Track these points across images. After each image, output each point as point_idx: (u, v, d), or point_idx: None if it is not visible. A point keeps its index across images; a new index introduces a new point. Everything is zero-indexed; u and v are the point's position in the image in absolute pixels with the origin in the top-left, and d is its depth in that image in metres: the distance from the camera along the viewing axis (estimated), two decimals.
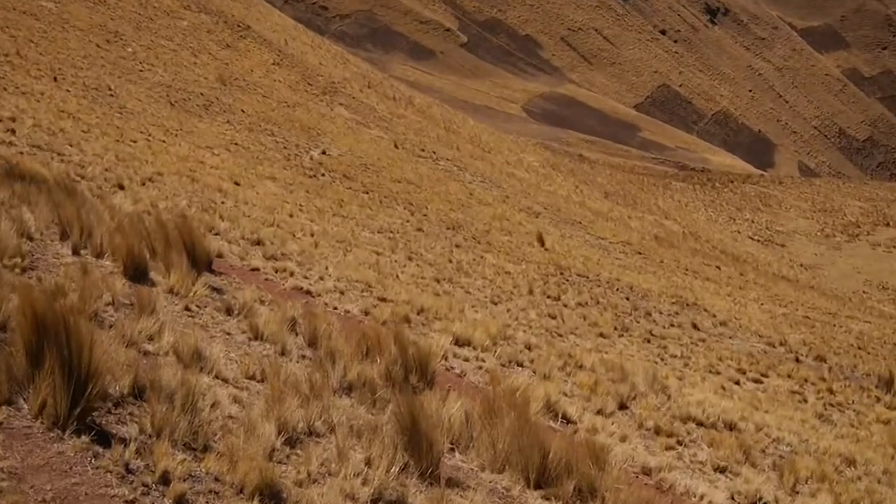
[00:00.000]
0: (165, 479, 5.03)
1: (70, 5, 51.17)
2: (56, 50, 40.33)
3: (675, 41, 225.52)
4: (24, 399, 5.28)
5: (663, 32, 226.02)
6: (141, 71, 43.67)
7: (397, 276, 18.49)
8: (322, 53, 74.18)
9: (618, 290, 28.72)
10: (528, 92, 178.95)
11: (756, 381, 18.40)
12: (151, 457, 5.15)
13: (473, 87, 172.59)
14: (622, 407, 11.22)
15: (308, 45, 74.85)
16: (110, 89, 36.69)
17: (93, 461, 4.96)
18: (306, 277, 13.13)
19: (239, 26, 63.03)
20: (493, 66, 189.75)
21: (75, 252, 9.46)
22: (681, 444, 10.22)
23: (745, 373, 18.79)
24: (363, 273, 16.03)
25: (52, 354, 5.26)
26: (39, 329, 5.36)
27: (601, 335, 20.02)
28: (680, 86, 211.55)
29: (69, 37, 44.55)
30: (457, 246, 28.65)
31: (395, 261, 21.26)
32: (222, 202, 20.00)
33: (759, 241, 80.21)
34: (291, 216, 22.22)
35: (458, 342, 12.00)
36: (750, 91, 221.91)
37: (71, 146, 20.52)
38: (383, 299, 13.75)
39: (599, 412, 10.62)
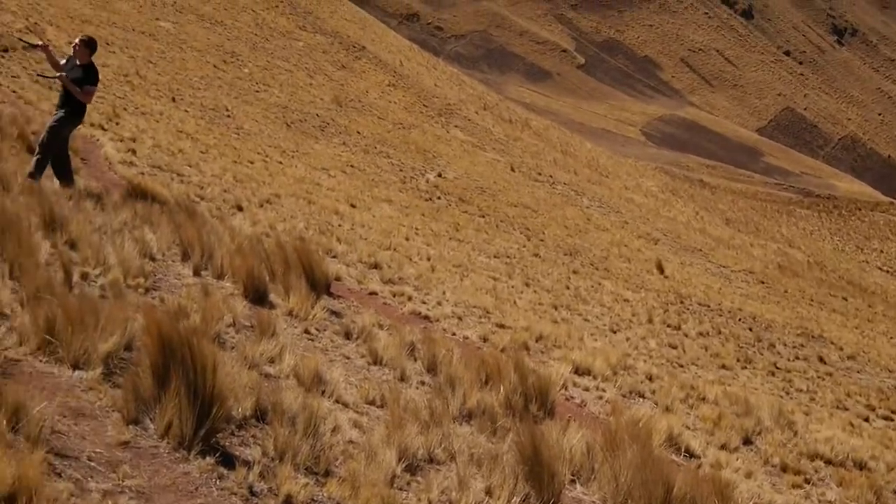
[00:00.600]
0: (289, 503, 5.11)
1: (188, 26, 52.62)
2: (174, 70, 41.47)
3: (800, 63, 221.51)
4: (151, 419, 5.41)
5: (787, 54, 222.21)
6: (257, 92, 44.60)
7: (514, 302, 18.48)
8: (437, 74, 74.80)
9: (740, 320, 28.22)
10: (647, 115, 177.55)
11: (886, 418, 17.85)
12: (275, 480, 5.22)
13: (591, 109, 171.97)
14: (747, 442, 11.00)
15: (423, 66, 75.57)
16: (227, 110, 37.54)
17: (217, 482, 5.06)
18: (424, 302, 13.21)
19: (354, 47, 63.96)
20: (610, 88, 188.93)
21: (196, 273, 9.68)
22: (808, 483, 9.98)
23: (874, 409, 18.25)
24: (480, 298, 16.06)
25: (177, 375, 5.38)
26: (165, 350, 5.50)
27: (723, 367, 19.70)
28: (805, 109, 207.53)
29: (187, 57, 45.78)
30: (574, 272, 28.51)
31: (513, 286, 21.25)
32: (339, 225, 20.27)
33: (888, 272, 78.02)
34: (408, 240, 22.40)
35: (578, 371, 11.91)
36: (879, 115, 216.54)
37: (190, 167, 21.03)
38: (501, 325, 13.75)
39: (723, 447, 10.43)
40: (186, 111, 33.96)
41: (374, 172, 36.14)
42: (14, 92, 25.39)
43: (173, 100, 35.18)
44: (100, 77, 13.01)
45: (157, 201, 13.04)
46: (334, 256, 14.74)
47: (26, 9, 41.42)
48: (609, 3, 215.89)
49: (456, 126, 56.80)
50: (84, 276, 8.20)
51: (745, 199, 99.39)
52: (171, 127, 28.16)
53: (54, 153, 12.66)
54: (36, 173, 12.20)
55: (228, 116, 36.40)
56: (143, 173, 17.80)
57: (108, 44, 39.65)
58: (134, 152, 20.06)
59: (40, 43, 12.78)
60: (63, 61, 13.09)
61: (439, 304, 13.72)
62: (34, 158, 12.59)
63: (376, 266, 15.15)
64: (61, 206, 9.98)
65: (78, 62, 12.68)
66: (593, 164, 69.56)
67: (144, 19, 50.09)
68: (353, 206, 25.36)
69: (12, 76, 28.75)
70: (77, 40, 12.85)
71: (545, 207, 41.69)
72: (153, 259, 9.63)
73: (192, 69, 43.20)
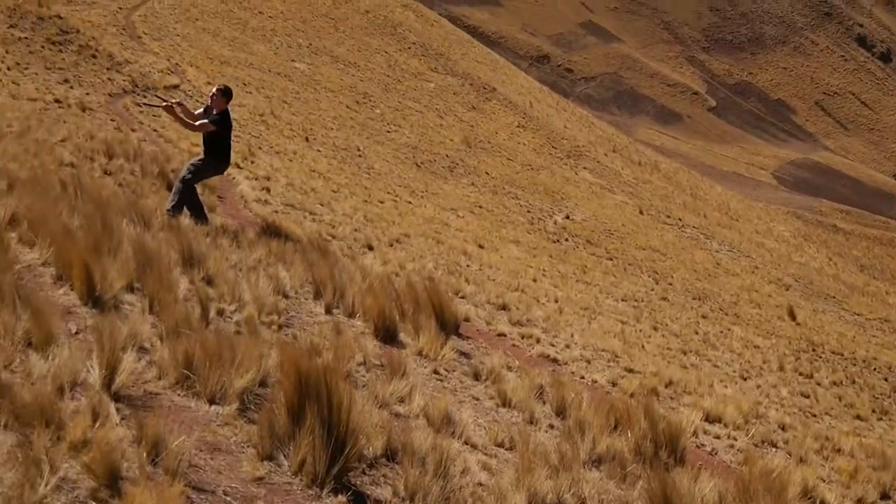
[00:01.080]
0: None
1: (322, 67, 53.73)
2: (308, 110, 42.34)
3: None
4: (285, 455, 5.46)
5: None
6: (388, 132, 45.22)
7: (643, 347, 18.23)
8: (567, 116, 74.77)
9: (875, 370, 27.33)
10: (779, 158, 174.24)
11: None
12: None
13: (721, 152, 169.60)
14: (884, 496, 10.60)
15: (553, 107, 75.65)
16: (359, 150, 38.13)
17: None
18: (552, 345, 13.12)
19: (484, 88, 64.40)
20: (742, 132, 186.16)
21: (328, 311, 9.79)
22: None
23: None
24: (609, 342, 15.88)
25: (312, 413, 5.43)
26: (301, 387, 5.55)
27: (858, 417, 19.09)
28: None
29: (320, 98, 46.71)
30: (703, 317, 28.03)
31: (640, 330, 20.99)
32: (467, 265, 20.33)
33: None
34: (535, 281, 22.34)
35: (709, 418, 11.66)
36: None
37: (322, 205, 21.38)
38: (630, 370, 13.56)
39: (860, 501, 10.07)
40: (319, 150, 34.60)
41: (502, 213, 36.21)
42: (155, 131, 26.28)
43: (306, 139, 35.89)
44: (231, 124, 13.32)
45: (290, 239, 13.28)
46: (463, 297, 14.76)
47: (168, 50, 42.89)
48: (742, 45, 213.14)
49: (585, 168, 56.63)
50: (220, 312, 8.37)
51: (881, 246, 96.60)
52: (304, 166, 28.71)
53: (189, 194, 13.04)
54: (174, 211, 12.54)
55: (360, 156, 36.96)
56: (276, 211, 18.16)
57: (244, 84, 40.75)
58: (268, 190, 20.49)
59: (166, 103, 13.20)
60: (200, 110, 13.50)
61: (567, 346, 13.61)
62: (172, 197, 12.95)
63: (504, 307, 15.12)
64: (199, 242, 10.21)
65: (215, 111, 13.04)
66: (723, 207, 68.48)
67: (280, 60, 51.35)
68: (481, 246, 25.43)
69: (153, 115, 29.76)
70: (214, 89, 13.21)
71: (674, 251, 41.16)
72: (286, 296, 9.78)
73: (325, 109, 44.05)
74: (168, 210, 12.50)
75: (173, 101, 13.29)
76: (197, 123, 12.95)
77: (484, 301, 15.09)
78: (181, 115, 13.16)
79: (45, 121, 23.37)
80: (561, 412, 8.90)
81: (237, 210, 17.21)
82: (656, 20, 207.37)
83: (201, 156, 13.23)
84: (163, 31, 48.40)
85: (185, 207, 12.86)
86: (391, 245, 19.34)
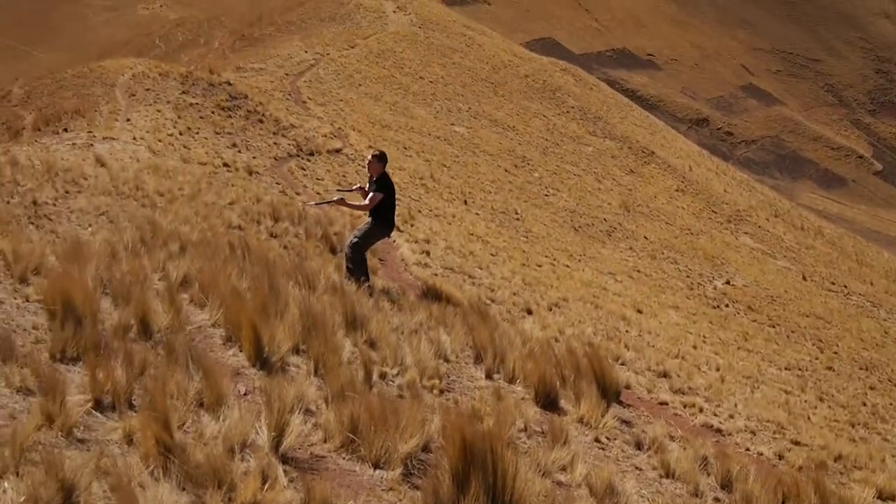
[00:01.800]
0: None
1: (481, 131, 54.31)
2: (466, 174, 42.77)
3: None
4: None
5: None
6: (546, 195, 45.28)
7: (808, 418, 17.61)
8: (727, 180, 73.59)
9: None
10: None
11: None
12: None
13: (888, 217, 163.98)
14: None
15: (712, 171, 74.60)
16: (517, 213, 38.26)
17: None
18: (715, 414, 12.79)
19: (643, 152, 64.01)
20: None
21: (488, 376, 9.78)
22: None
23: None
24: (773, 412, 15.39)
25: (477, 480, 5.40)
26: (465, 453, 5.53)
27: None
28: None
29: (479, 161, 47.15)
30: (871, 388, 26.96)
31: (806, 401, 20.30)
32: (626, 330, 20.08)
33: None
34: (695, 348, 21.89)
35: (882, 495, 11.15)
36: None
37: (480, 269, 21.47)
38: (797, 442, 13.11)
39: None
40: (477, 214, 34.86)
41: (661, 278, 35.73)
42: (318, 194, 26.92)
43: (465, 202, 36.21)
44: (393, 187, 13.53)
45: (450, 303, 13.36)
46: (623, 363, 14.57)
47: (331, 114, 44.06)
48: None
49: (745, 233, 55.52)
50: (383, 376, 8.45)
51: None
52: (463, 229, 28.94)
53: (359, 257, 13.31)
54: (350, 278, 12.79)
55: (518, 219, 37.08)
56: (436, 274, 18.32)
57: (405, 148, 41.50)
58: (428, 253, 20.71)
59: (333, 199, 13.66)
60: (356, 187, 13.88)
61: (731, 416, 13.25)
62: (346, 265, 13.22)
63: (665, 374, 14.84)
64: (362, 305, 10.36)
65: (373, 176, 13.30)
66: (891, 274, 66.04)
67: (440, 124, 52.13)
68: (639, 311, 25.10)
69: (317, 178, 30.53)
70: (369, 156, 13.49)
71: (839, 318, 39.84)
72: (447, 360, 9.81)
73: (483, 173, 44.44)
74: (345, 278, 12.75)
75: (335, 198, 13.77)
76: (366, 201, 13.22)
77: (644, 368, 14.86)
78: (350, 203, 13.57)
79: (215, 184, 24.22)
80: (726, 485, 8.64)
81: (398, 273, 17.43)
82: (820, 82, 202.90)
83: (367, 220, 13.45)
84: (327, 96, 49.77)
85: (360, 273, 13.12)
86: (550, 309, 19.25)
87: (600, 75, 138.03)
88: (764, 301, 37.64)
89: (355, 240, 13.23)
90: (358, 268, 13.11)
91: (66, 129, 31.22)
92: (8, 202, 18.27)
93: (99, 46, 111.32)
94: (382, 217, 13.29)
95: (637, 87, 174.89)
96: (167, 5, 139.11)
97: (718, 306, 33.96)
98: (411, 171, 37.23)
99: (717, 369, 19.37)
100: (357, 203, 13.59)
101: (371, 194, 13.19)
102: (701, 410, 12.67)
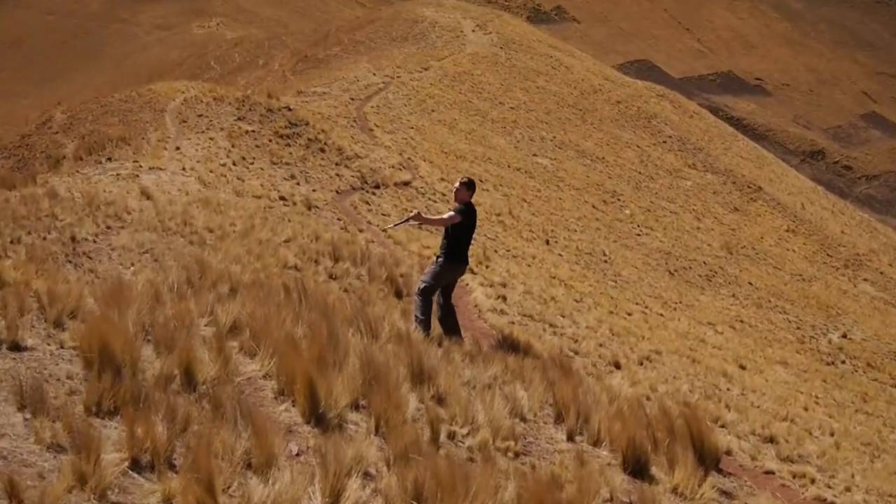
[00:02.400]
0: None
1: (566, 163, 54.34)
2: (549, 210, 42.76)
3: None
4: None
5: None
6: (638, 235, 45.08)
7: None
8: (845, 220, 72.71)
9: None
10: None
11: None
12: None
13: None
14: None
15: (828, 209, 73.75)
16: (604, 254, 38.13)
17: None
18: (829, 486, 12.54)
19: (749, 187, 63.52)
20: None
21: (570, 438, 9.70)
22: None
23: None
24: None
25: None
26: None
27: None
28: None
29: (563, 196, 47.13)
30: None
31: None
32: (727, 389, 19.85)
33: None
34: (807, 409, 21.56)
35: None
36: None
37: (563, 317, 21.39)
38: None
39: None
40: (560, 255, 34.80)
41: (768, 330, 35.30)
42: (384, 231, 27.06)
43: (547, 242, 36.18)
44: (475, 217, 13.58)
45: (528, 354, 13.30)
46: (723, 426, 14.38)
47: (400, 143, 44.40)
48: None
49: (865, 279, 54.73)
50: (451, 436, 8.42)
51: None
52: (544, 272, 28.90)
53: (445, 304, 13.36)
54: (422, 328, 12.80)
55: (606, 262, 36.94)
56: (513, 322, 18.28)
57: (481, 181, 41.64)
58: (504, 299, 20.68)
59: (408, 218, 13.67)
60: (443, 216, 13.90)
61: (847, 489, 12.99)
62: (416, 312, 13.24)
63: (771, 440, 14.61)
64: (430, 356, 10.36)
65: (458, 204, 13.35)
66: None
67: (521, 155, 52.27)
68: (742, 367, 24.81)
69: (382, 213, 30.71)
70: (457, 183, 13.57)
71: None
72: (524, 420, 9.76)
73: (568, 209, 44.40)
74: (415, 327, 12.78)
75: (412, 214, 13.76)
76: (445, 216, 13.38)
77: (747, 432, 14.65)
78: (427, 217, 13.72)
79: (270, 219, 24.49)
80: None
81: (470, 320, 17.42)
82: None
83: (436, 260, 13.46)
84: (395, 123, 50.21)
85: (438, 320, 13.16)
86: (641, 363, 19.10)
87: (702, 101, 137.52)
88: (886, 357, 37.01)
89: (424, 284, 13.24)
90: (428, 314, 13.13)
91: (109, 159, 31.86)
92: (45, 238, 18.63)
93: (149, 68, 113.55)
94: (455, 251, 13.29)
95: (743, 115, 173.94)
96: (224, 23, 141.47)
97: (833, 363, 33.45)
98: (487, 206, 37.32)
99: (832, 434, 19.04)
100: (437, 217, 13.80)
101: (451, 212, 13.29)
102: (812, 481, 12.43)
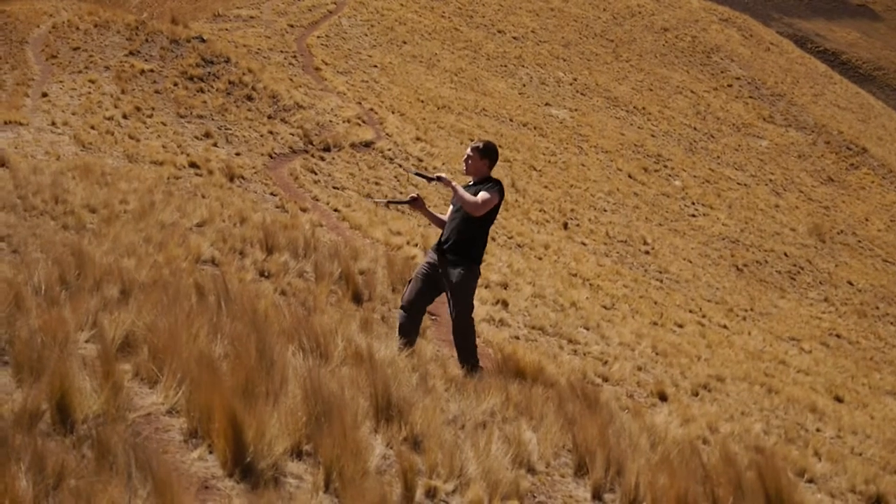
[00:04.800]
0: None
1: (592, 115, 54.33)
2: (568, 181, 42.76)
3: None
4: None
5: None
6: (693, 216, 45.16)
7: None
8: None
9: None
10: None
11: None
12: None
13: None
14: None
15: None
16: (646, 243, 38.20)
17: None
18: None
19: (849, 149, 63.67)
20: None
21: (596, 496, 9.74)
22: None
23: None
24: None
25: None
26: None
27: None
28: None
29: (588, 162, 47.16)
30: None
31: None
32: (817, 429, 19.96)
33: None
34: None
35: None
36: None
37: (587, 329, 21.45)
38: None
39: None
40: (584, 244, 34.86)
41: (876, 347, 35.44)
42: (336, 211, 27.05)
43: (565, 226, 36.24)
44: (504, 196, 13.30)
45: (538, 382, 13.34)
46: (811, 480, 14.49)
47: (359, 88, 44.32)
48: None
49: None
50: (431, 493, 8.45)
51: None
52: (561, 267, 28.95)
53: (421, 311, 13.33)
54: (403, 339, 12.82)
55: (647, 253, 37.02)
56: (517, 337, 18.32)
57: (471, 140, 41.57)
58: (505, 304, 20.72)
59: (410, 197, 13.33)
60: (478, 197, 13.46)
61: None
62: (460, 351, 13.25)
63: (879, 500, 14.75)
64: (400, 384, 10.38)
65: (475, 181, 13.09)
66: None
67: (528, 104, 52.31)
68: (838, 399, 24.93)
69: (334, 186, 30.66)
70: (468, 149, 13.23)
71: None
72: (532, 471, 9.80)
73: (594, 180, 44.43)
74: (468, 368, 12.82)
75: (435, 175, 13.45)
76: (479, 199, 12.74)
77: (845, 489, 14.77)
78: (460, 191, 12.92)
79: (176, 194, 24.45)
80: None
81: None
82: None
83: (459, 268, 13.21)
84: (352, 60, 50.14)
85: (400, 326, 13.16)
86: (696, 394, 19.20)
87: (782, 28, 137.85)
88: None
89: (470, 308, 13.25)
90: (474, 349, 13.21)
91: None
92: None
93: None
94: (480, 250, 13.23)
95: (842, 48, 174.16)
96: None
97: None
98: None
99: None
100: (471, 199, 12.82)
101: (484, 194, 12.87)
102: None
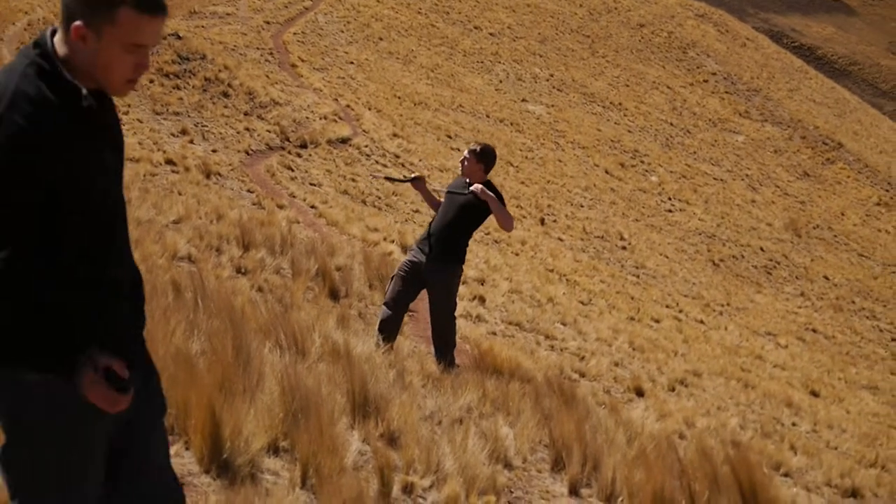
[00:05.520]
0: None
1: (568, 111, 54.43)
2: (545, 177, 42.82)
3: None
4: None
5: None
6: (670, 211, 45.27)
7: None
8: None
9: None
10: None
11: None
12: None
13: None
14: None
15: None
16: (622, 238, 38.28)
17: None
18: None
19: (825, 144, 63.84)
20: None
21: (573, 491, 9.76)
22: None
23: None
24: None
25: None
26: None
27: None
28: None
29: (565, 157, 47.21)
30: None
31: None
32: (793, 424, 20.03)
33: None
34: None
35: None
36: None
37: (564, 325, 21.50)
38: None
39: None
40: (560, 239, 34.93)
41: (851, 342, 35.56)
42: (313, 207, 27.05)
43: (542, 222, 36.30)
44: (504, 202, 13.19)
45: (515, 377, 13.37)
46: (786, 474, 14.55)
47: (336, 85, 44.31)
48: None
49: None
50: (408, 489, 8.47)
51: None
52: (538, 263, 28.99)
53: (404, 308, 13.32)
54: (382, 335, 12.84)
55: (624, 248, 37.10)
56: (494, 332, 18.36)
57: (449, 137, 41.71)
58: (482, 301, 20.76)
59: (412, 176, 13.17)
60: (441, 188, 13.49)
61: None
62: (438, 350, 13.24)
63: (854, 494, 14.81)
64: (378, 380, 10.40)
65: (467, 182, 12.97)
66: None
67: (505, 101, 52.34)
68: (814, 394, 25.02)
69: (311, 183, 30.68)
70: (466, 151, 13.09)
71: None
72: (509, 466, 9.82)
73: (571, 176, 44.49)
74: (446, 365, 12.81)
75: (415, 175, 13.34)
76: (503, 214, 12.52)
77: (821, 482, 14.84)
78: (497, 207, 12.82)
79: (152, 191, 24.42)
80: None
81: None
82: None
83: (446, 268, 13.19)
84: (329, 57, 50.14)
85: (382, 323, 13.14)
86: (672, 389, 19.25)
87: (758, 24, 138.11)
88: None
89: (454, 308, 13.26)
90: (453, 346, 13.21)
91: None
92: None
93: None
94: (465, 250, 13.21)
95: (817, 43, 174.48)
96: None
97: None
98: (455, 169, 37.36)
99: None
100: (507, 214, 12.68)
101: (505, 212, 12.73)
102: None
